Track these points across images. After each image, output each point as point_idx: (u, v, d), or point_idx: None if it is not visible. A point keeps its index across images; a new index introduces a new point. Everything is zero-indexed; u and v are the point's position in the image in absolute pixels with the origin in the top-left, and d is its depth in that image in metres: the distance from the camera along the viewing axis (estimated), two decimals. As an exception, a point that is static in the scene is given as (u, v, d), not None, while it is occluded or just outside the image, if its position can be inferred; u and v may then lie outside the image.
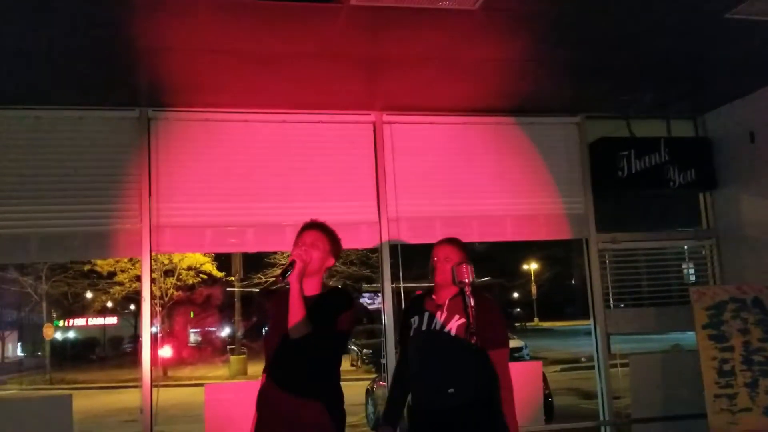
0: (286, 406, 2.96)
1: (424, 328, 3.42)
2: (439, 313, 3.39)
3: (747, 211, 5.27)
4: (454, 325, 3.32)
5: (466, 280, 3.16)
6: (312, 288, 3.08)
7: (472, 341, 3.16)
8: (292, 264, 2.93)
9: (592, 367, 5.37)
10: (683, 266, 5.65)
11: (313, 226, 3.22)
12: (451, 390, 3.27)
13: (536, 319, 52.63)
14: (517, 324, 48.76)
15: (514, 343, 24.18)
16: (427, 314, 3.44)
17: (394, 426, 3.53)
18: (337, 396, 3.09)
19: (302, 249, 3.02)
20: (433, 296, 3.53)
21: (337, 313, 3.03)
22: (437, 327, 3.37)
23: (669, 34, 3.98)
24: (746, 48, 4.25)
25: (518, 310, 55.50)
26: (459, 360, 3.30)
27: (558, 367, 21.25)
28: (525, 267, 48.94)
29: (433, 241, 4.82)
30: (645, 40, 4.05)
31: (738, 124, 5.26)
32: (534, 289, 49.83)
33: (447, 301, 3.41)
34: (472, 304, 3.11)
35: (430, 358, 3.40)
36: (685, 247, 5.70)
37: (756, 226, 5.19)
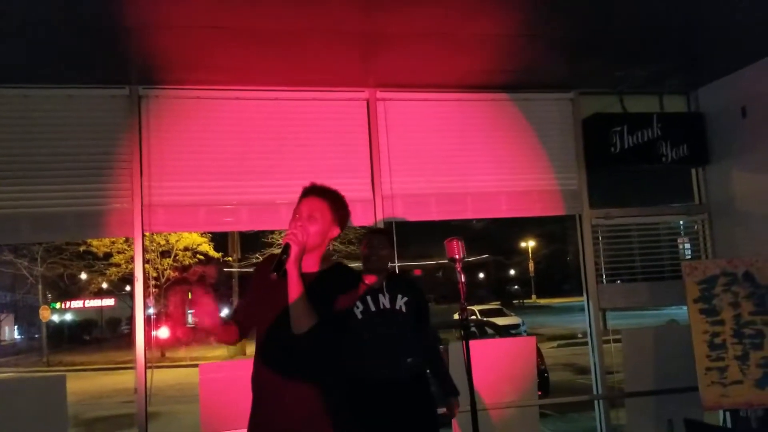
0: (283, 391, 2.64)
1: (373, 308, 3.81)
2: (381, 295, 3.83)
3: (739, 186, 5.29)
4: (401, 302, 3.83)
5: (457, 257, 3.25)
6: (310, 264, 2.71)
7: (463, 317, 3.27)
8: (285, 250, 2.54)
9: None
10: (676, 241, 5.66)
11: (311, 192, 2.79)
12: (410, 359, 3.76)
13: (534, 296, 53.00)
14: (515, 301, 49.10)
15: (511, 320, 24.47)
16: (369, 297, 3.83)
17: None
18: (334, 381, 2.76)
19: (297, 227, 2.63)
20: (365, 280, 3.89)
21: (341, 294, 2.69)
22: (387, 306, 3.82)
23: (661, 8, 3.96)
24: (738, 23, 4.24)
25: (516, 287, 55.84)
26: (409, 333, 3.82)
27: (555, 343, 21.50)
28: (522, 244, 49.18)
29: (428, 218, 4.88)
30: (637, 15, 4.04)
31: (730, 99, 5.26)
32: (531, 266, 50.09)
33: (384, 282, 3.87)
34: (463, 280, 3.21)
35: (384, 334, 3.78)
36: (679, 222, 5.72)
37: (748, 200, 5.21)
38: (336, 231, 2.77)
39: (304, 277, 2.58)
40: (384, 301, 3.81)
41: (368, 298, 3.81)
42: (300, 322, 2.54)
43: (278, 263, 2.52)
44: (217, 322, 2.64)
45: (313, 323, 2.53)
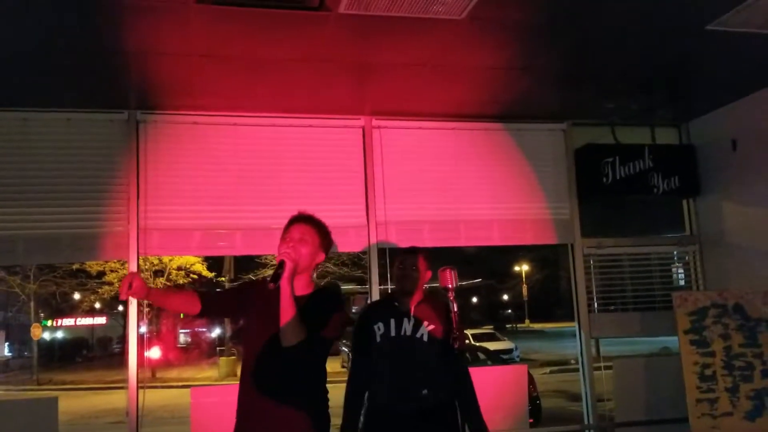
0: (269, 413, 2.76)
1: (393, 333, 3.54)
2: (406, 320, 3.54)
3: (729, 217, 5.34)
4: (424, 331, 3.51)
5: (450, 286, 3.27)
6: (301, 287, 2.84)
7: (456, 345, 3.27)
8: (281, 265, 2.65)
9: (581, 370, 5.42)
10: (668, 271, 5.70)
11: (301, 219, 2.98)
12: (425, 391, 3.43)
13: (527, 321, 52.82)
14: (508, 325, 48.92)
15: (504, 344, 24.40)
16: (393, 321, 3.56)
17: None
18: (322, 401, 2.94)
19: (290, 246, 2.77)
20: (395, 303, 3.67)
21: (328, 316, 2.83)
22: (407, 333, 3.52)
23: (653, 44, 4.04)
24: (728, 58, 4.32)
25: (509, 311, 55.70)
26: (430, 364, 3.49)
27: (547, 369, 21.38)
28: (516, 268, 49.13)
29: (421, 245, 4.90)
30: (629, 49, 4.12)
31: (721, 132, 5.33)
32: (525, 290, 50.01)
33: (413, 307, 3.57)
34: (455, 309, 3.21)
35: (402, 363, 3.52)
36: (672, 253, 5.76)
37: (738, 232, 5.26)
38: (322, 257, 2.95)
39: (295, 300, 2.67)
40: (407, 326, 3.53)
41: (392, 321, 3.56)
42: (290, 335, 2.64)
43: (275, 275, 2.62)
44: (141, 295, 2.67)
45: (302, 337, 2.64)
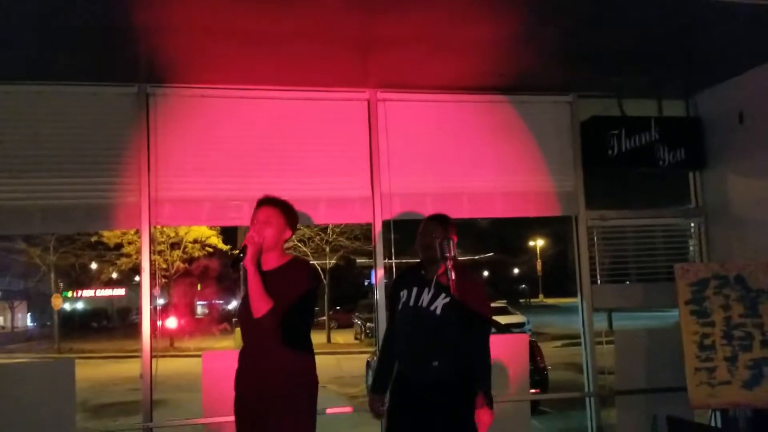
0: (256, 377, 3.18)
1: (411, 303, 3.60)
2: (426, 290, 3.57)
3: (735, 190, 5.36)
4: (440, 303, 3.52)
5: (448, 255, 3.33)
6: (271, 262, 3.28)
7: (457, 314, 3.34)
8: (243, 250, 3.12)
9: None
10: (671, 244, 5.73)
11: (265, 202, 3.37)
12: (435, 363, 3.46)
13: (541, 296, 52.89)
14: (521, 300, 49.02)
15: (516, 318, 24.50)
16: (415, 289, 3.62)
17: (383, 394, 3.76)
18: (306, 364, 3.26)
19: (254, 230, 3.20)
20: (423, 271, 3.70)
21: (296, 282, 3.19)
22: (424, 304, 3.56)
23: (659, 15, 4.04)
24: (735, 30, 4.31)
25: (523, 286, 55.74)
26: (442, 336, 3.48)
27: (559, 343, 21.49)
28: (530, 243, 49.07)
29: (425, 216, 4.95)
30: (634, 21, 4.11)
31: (728, 104, 5.33)
32: (539, 265, 49.97)
33: (435, 278, 3.60)
34: (453, 277, 3.26)
35: (416, 333, 3.59)
36: (675, 225, 5.79)
37: (743, 205, 5.28)
38: (289, 233, 3.38)
39: (266, 274, 3.17)
40: (425, 297, 3.57)
41: (415, 289, 3.62)
42: (256, 306, 3.08)
43: (235, 260, 3.13)
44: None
45: (268, 307, 3.05)
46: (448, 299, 3.46)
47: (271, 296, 3.08)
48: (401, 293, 3.69)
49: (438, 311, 3.51)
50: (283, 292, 3.11)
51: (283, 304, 3.09)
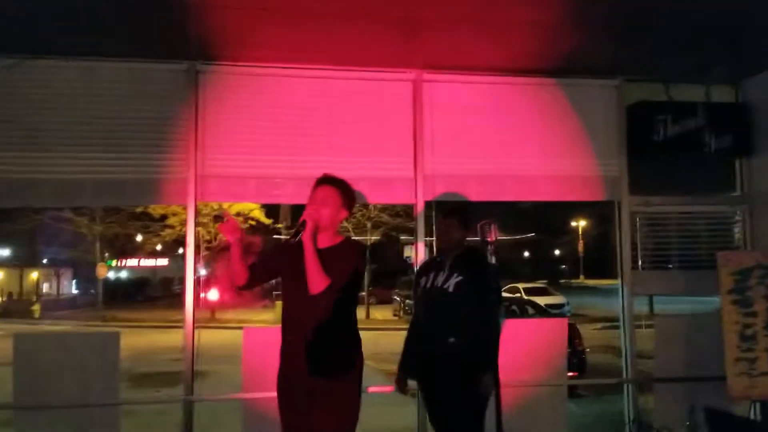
0: (304, 355, 3.19)
1: (428, 286, 3.94)
2: (441, 273, 3.91)
3: (782, 178, 5.26)
4: (453, 281, 3.85)
5: (489, 239, 3.45)
6: (324, 241, 3.28)
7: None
8: (303, 224, 3.14)
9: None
10: (715, 231, 5.66)
11: (324, 181, 3.38)
12: (452, 339, 3.76)
13: (582, 276, 52.47)
14: (561, 281, 48.74)
15: (555, 299, 24.41)
16: (432, 274, 3.97)
17: (408, 374, 4.11)
18: (354, 341, 3.32)
19: (312, 208, 3.22)
20: (439, 258, 4.09)
21: (349, 262, 3.23)
22: (438, 284, 3.91)
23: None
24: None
25: (564, 266, 55.37)
26: (458, 313, 3.81)
27: (599, 325, 21.29)
28: (573, 224, 48.66)
29: (468, 198, 5.00)
30: (682, 2, 4.06)
31: (778, 91, 5.22)
32: (581, 246, 49.55)
33: (449, 261, 3.95)
34: (494, 262, 3.43)
35: (431, 312, 3.93)
36: (720, 213, 5.71)
37: (790, 194, 5.18)
38: (345, 214, 3.38)
39: (319, 250, 3.16)
40: (440, 279, 3.92)
41: (431, 274, 3.98)
42: (315, 283, 3.09)
43: (296, 233, 3.15)
44: (237, 237, 3.27)
45: (326, 284, 3.08)
46: (461, 278, 3.83)
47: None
48: (421, 280, 4.07)
49: (450, 288, 3.85)
50: (336, 270, 3.13)
51: (336, 282, 3.12)
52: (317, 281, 3.08)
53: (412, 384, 4.25)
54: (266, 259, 3.64)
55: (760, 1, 4.04)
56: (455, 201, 5.06)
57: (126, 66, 4.80)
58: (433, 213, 4.92)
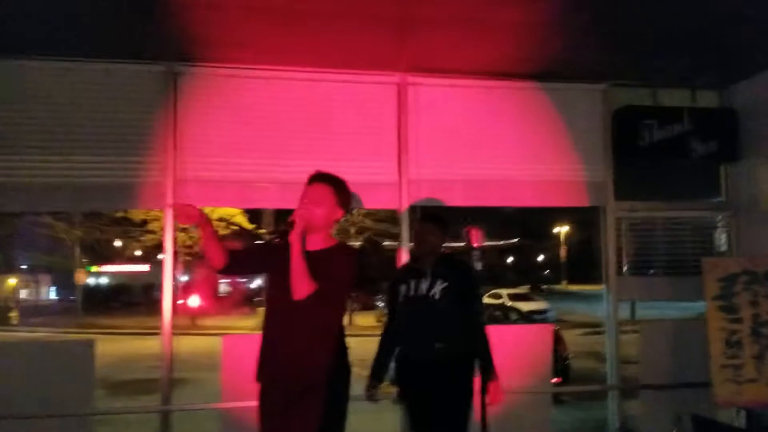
0: (285, 360, 2.96)
1: (411, 294, 3.90)
2: (423, 280, 3.88)
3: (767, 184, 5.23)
4: (438, 289, 3.82)
5: (475, 245, 3.40)
6: (316, 243, 3.04)
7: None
8: (291, 224, 2.90)
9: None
10: (699, 237, 5.63)
11: (317, 178, 3.13)
12: (439, 345, 3.76)
13: (564, 282, 52.68)
14: (544, 286, 48.93)
15: (538, 305, 24.42)
16: (413, 282, 3.92)
17: (381, 381, 4.04)
18: (339, 350, 3.08)
19: (304, 207, 2.98)
20: (417, 265, 4.03)
21: (340, 268, 3.00)
22: (423, 292, 3.86)
23: (695, 2, 3.96)
24: (773, 20, 4.20)
25: (547, 272, 55.57)
26: (443, 320, 3.80)
27: (581, 331, 21.32)
28: (555, 230, 48.87)
29: (453, 204, 4.95)
30: (671, 7, 4.03)
31: (764, 96, 5.20)
32: (563, 251, 49.76)
33: (430, 268, 3.90)
34: (480, 268, 3.40)
35: (418, 319, 3.87)
36: (705, 219, 5.68)
37: (776, 200, 5.15)
38: (340, 213, 3.14)
39: (310, 254, 2.92)
40: (423, 286, 3.86)
41: (412, 282, 3.91)
42: (299, 288, 2.86)
43: (282, 232, 2.93)
44: (193, 222, 2.97)
45: (311, 290, 2.86)
46: (445, 284, 3.81)
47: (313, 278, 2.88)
48: (400, 288, 3.98)
49: (437, 296, 3.81)
50: (325, 276, 2.90)
51: (325, 288, 2.89)
52: (302, 286, 2.86)
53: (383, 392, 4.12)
54: (252, 251, 3.50)
55: (746, 8, 4.02)
56: (435, 206, 4.99)
57: (102, 67, 4.69)
58: (418, 213, 4.87)
